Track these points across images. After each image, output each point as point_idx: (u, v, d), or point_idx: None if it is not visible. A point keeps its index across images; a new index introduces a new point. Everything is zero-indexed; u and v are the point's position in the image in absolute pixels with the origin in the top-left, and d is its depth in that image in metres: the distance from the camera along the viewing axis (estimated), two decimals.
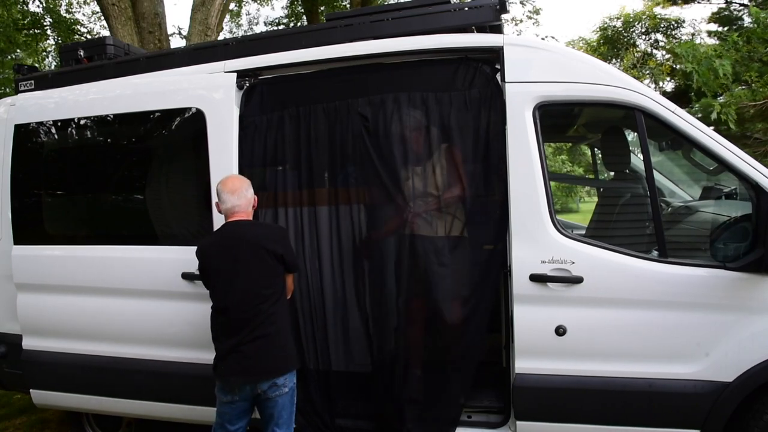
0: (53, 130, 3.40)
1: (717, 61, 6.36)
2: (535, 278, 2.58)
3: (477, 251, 2.77)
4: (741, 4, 13.65)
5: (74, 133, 3.37)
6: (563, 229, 2.62)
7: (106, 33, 10.26)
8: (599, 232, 2.98)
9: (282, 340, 2.54)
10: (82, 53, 3.65)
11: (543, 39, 12.34)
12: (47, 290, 3.29)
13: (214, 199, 2.71)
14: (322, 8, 12.46)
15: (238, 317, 2.49)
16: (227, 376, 2.50)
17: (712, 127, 2.98)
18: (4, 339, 3.50)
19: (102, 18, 10.76)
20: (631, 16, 14.82)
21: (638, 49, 14.81)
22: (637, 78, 8.95)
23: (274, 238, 2.60)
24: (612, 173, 3.42)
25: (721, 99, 7.32)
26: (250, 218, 2.69)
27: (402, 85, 2.81)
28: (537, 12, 14.23)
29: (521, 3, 14.10)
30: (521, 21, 14.35)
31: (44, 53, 13.83)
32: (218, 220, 2.95)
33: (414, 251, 2.76)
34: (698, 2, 14.36)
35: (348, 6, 12.64)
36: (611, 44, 15.10)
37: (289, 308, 2.82)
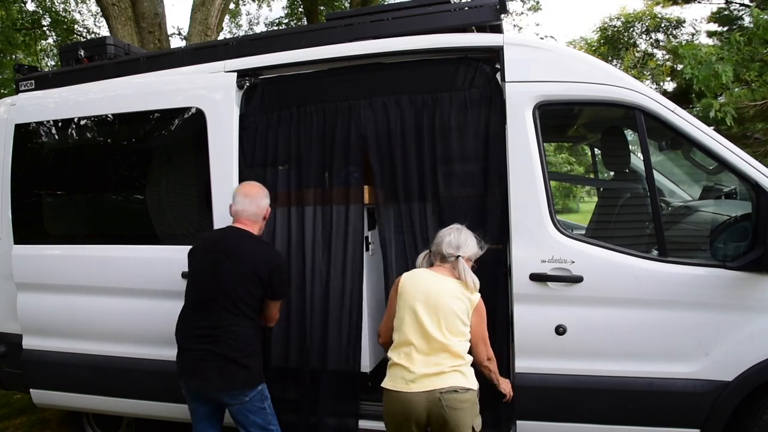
0: (53, 130, 3.40)
1: (719, 66, 6.36)
2: (535, 278, 2.58)
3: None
4: (741, 4, 13.65)
5: (74, 133, 3.37)
6: (563, 228, 2.62)
7: (103, 31, 10.26)
8: (599, 232, 2.97)
9: (237, 360, 2.42)
10: (82, 53, 3.65)
11: (542, 39, 12.30)
12: (47, 290, 3.29)
13: (216, 199, 2.68)
14: (322, 8, 12.46)
15: (198, 324, 2.49)
16: (180, 377, 2.54)
17: (712, 127, 2.97)
18: (4, 339, 3.50)
19: (100, 15, 10.77)
20: (632, 15, 14.83)
21: (638, 49, 14.81)
22: (638, 78, 8.95)
23: (264, 260, 2.51)
24: (612, 173, 3.42)
25: (721, 99, 7.33)
26: (256, 228, 2.65)
27: (402, 85, 2.81)
28: (537, 6, 14.16)
29: (521, 0, 14.09)
30: (521, 14, 14.27)
31: (42, 53, 13.82)
32: (218, 220, 2.95)
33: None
34: (698, 2, 14.35)
35: (348, 6, 12.64)
36: (611, 44, 15.11)
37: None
